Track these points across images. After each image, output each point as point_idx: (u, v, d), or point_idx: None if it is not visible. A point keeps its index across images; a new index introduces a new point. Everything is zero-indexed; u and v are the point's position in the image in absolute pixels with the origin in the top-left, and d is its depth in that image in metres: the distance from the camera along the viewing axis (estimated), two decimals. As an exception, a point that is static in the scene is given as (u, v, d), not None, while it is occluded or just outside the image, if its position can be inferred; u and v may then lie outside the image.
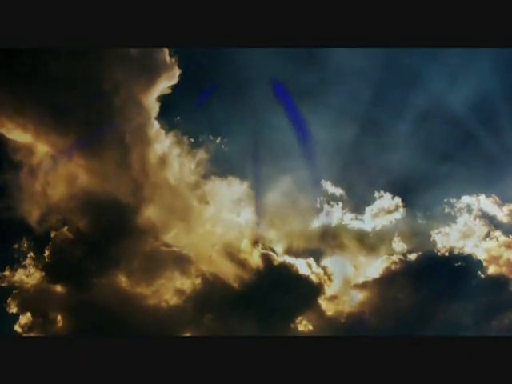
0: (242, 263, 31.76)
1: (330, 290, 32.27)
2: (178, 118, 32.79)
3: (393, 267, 32.41)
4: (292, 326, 31.28)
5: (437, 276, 31.86)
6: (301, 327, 31.37)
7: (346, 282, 32.66)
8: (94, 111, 30.18)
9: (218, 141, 33.04)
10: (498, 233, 33.50)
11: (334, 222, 33.74)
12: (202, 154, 32.44)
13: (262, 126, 34.24)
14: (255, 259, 32.00)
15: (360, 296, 32.18)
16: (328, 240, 33.34)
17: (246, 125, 34.17)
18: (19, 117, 29.68)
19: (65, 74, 29.41)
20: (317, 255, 32.69)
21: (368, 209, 34.04)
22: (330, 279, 32.47)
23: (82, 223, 30.87)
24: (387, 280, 32.19)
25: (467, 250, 32.84)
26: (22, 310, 30.62)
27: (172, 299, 30.98)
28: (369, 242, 33.57)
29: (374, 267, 32.75)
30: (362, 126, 34.60)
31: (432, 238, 33.53)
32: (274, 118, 34.19)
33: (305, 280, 31.78)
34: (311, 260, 32.36)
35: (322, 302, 31.87)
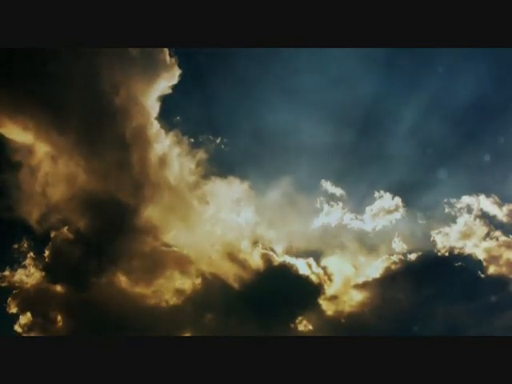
0: (241, 263, 31.78)
1: (329, 290, 32.31)
2: (178, 117, 32.85)
3: (393, 267, 32.43)
4: (292, 326, 31.32)
5: (437, 276, 31.85)
6: (301, 327, 31.40)
7: (346, 281, 32.70)
8: (94, 111, 30.21)
9: (218, 141, 33.11)
10: (498, 233, 33.58)
11: (334, 222, 33.81)
12: (201, 154, 32.50)
13: (262, 126, 34.28)
14: (255, 259, 32.01)
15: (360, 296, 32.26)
16: (328, 240, 33.38)
17: (246, 125, 34.21)
18: (19, 116, 29.71)
19: (65, 74, 29.44)
20: (317, 255, 32.74)
21: (368, 209, 34.12)
22: (330, 279, 32.50)
23: (82, 223, 30.90)
24: (387, 280, 32.21)
25: (467, 250, 32.90)
26: (22, 310, 30.63)
27: (172, 299, 31.02)
28: (369, 242, 33.62)
29: (374, 267, 32.77)
30: (361, 127, 34.68)
31: (432, 238, 33.59)
32: (274, 118, 34.24)
33: (305, 280, 31.77)
34: (311, 260, 32.41)
35: (322, 302, 31.91)
